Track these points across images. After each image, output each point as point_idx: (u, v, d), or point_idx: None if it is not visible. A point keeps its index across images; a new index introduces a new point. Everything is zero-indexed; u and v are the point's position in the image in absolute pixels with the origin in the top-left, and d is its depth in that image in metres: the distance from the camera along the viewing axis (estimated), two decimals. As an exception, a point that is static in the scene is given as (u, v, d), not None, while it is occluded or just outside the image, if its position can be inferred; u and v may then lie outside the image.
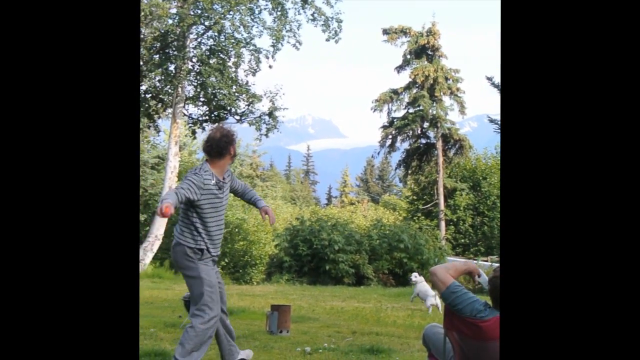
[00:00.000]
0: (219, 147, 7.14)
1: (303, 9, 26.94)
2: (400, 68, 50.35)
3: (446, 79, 48.41)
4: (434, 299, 16.76)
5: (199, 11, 25.71)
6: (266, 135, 27.77)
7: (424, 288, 17.39)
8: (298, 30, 26.94)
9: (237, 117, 27.29)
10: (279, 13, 26.61)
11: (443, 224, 45.89)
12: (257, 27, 26.78)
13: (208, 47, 26.73)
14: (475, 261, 32.23)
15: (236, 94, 26.67)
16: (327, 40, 27.17)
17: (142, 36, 25.48)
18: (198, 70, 26.54)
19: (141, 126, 29.20)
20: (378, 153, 52.96)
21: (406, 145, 50.58)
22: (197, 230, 7.11)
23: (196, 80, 27.00)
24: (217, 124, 8.37)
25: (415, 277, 17.98)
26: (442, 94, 48.19)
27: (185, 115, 27.77)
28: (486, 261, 35.44)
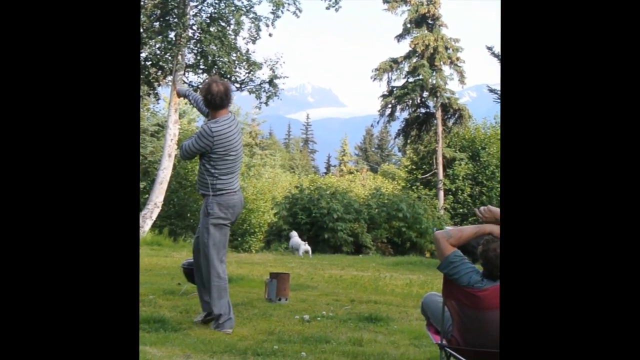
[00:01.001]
0: (229, 97, 8.06)
1: (303, -24, 26.83)
2: (400, 37, 50.08)
3: (446, 48, 48.19)
4: (304, 246, 23.80)
5: (199, -22, 25.66)
6: (266, 103, 27.69)
7: (296, 242, 24.54)
8: (298, -3, 26.83)
9: (237, 85, 27.22)
10: (278, -21, 26.50)
11: (442, 193, 45.88)
12: (257, -6, 26.64)
13: (208, 15, 26.62)
14: None
15: (236, 62, 26.61)
16: (327, 8, 27.04)
17: (142, 3, 25.38)
18: (198, 38, 26.45)
19: (141, 94, 29.15)
20: (377, 122, 52.76)
21: (405, 114, 50.40)
22: None
23: (196, 48, 26.90)
24: (206, 80, 8.73)
25: (291, 234, 25.62)
26: (442, 63, 48.00)
27: (185, 82, 27.66)
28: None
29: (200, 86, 26.85)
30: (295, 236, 25.06)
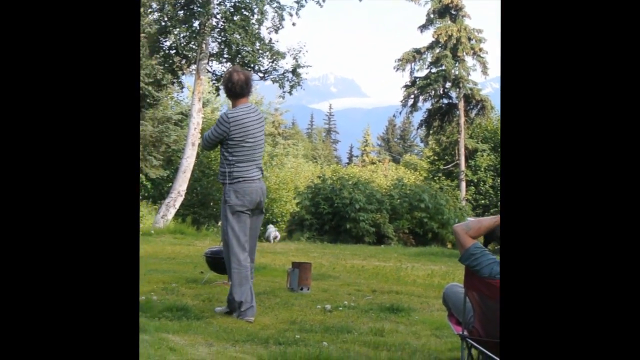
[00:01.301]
0: (249, 86, 8.19)
1: (327, -36, 26.80)
2: (423, 27, 49.99)
3: (469, 39, 48.05)
4: (274, 232, 25.62)
5: (224, -34, 25.71)
6: (290, 92, 27.70)
7: (272, 231, 25.91)
8: (322, -14, 26.81)
9: (261, 75, 27.26)
10: (302, -32, 26.52)
11: (464, 184, 45.75)
12: (281, -17, 26.66)
13: (232, 4, 26.65)
14: None
15: (260, 51, 26.63)
16: (352, -2, 27.03)
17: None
18: (222, 27, 26.48)
19: (165, 82, 29.29)
20: (400, 113, 52.73)
21: (428, 105, 50.36)
22: None
23: (220, 37, 26.95)
24: (229, 69, 8.84)
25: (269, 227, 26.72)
26: (464, 54, 47.87)
27: (209, 72, 27.74)
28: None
29: (223, 75, 26.92)
30: (270, 227, 26.49)
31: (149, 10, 27.98)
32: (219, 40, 27.08)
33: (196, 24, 26.28)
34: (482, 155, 46.03)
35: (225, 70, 27.43)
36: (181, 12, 26.13)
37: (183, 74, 28.96)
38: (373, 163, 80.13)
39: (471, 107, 48.46)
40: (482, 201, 45.19)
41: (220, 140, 8.01)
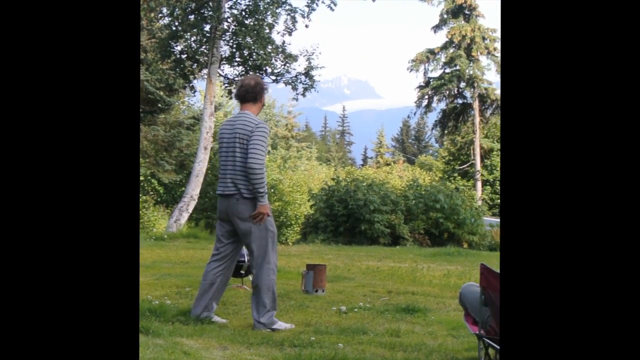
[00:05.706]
0: (254, 93, 7.58)
1: (339, -33, 26.75)
2: (437, 28, 50.17)
3: (483, 38, 48.14)
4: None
5: (235, -30, 25.69)
6: (303, 94, 27.64)
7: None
8: (334, -11, 26.77)
9: (273, 77, 27.23)
10: (313, -29, 26.47)
11: (479, 184, 45.83)
12: (293, -14, 26.68)
13: (244, 7, 26.62)
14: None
15: (272, 54, 26.60)
16: (364, -1, 27.00)
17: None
18: (233, 31, 26.46)
19: (177, 87, 29.29)
20: (414, 113, 52.95)
21: (442, 105, 50.57)
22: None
23: (231, 41, 26.93)
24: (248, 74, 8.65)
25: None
26: (479, 53, 47.99)
27: (220, 75, 27.73)
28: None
29: (235, 78, 26.98)
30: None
31: (160, 15, 28.05)
32: (231, 44, 27.05)
33: (207, 28, 26.26)
34: (498, 155, 46.03)
35: (237, 74, 27.49)
36: (192, 17, 26.12)
37: (195, 78, 28.94)
38: (387, 164, 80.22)
39: (486, 106, 48.54)
40: (498, 200, 45.15)
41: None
